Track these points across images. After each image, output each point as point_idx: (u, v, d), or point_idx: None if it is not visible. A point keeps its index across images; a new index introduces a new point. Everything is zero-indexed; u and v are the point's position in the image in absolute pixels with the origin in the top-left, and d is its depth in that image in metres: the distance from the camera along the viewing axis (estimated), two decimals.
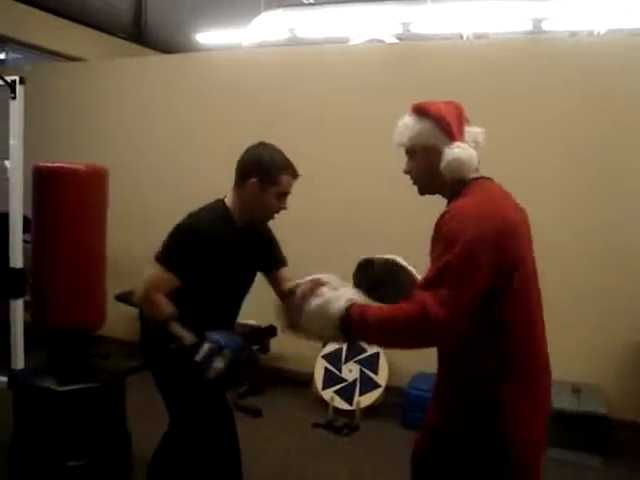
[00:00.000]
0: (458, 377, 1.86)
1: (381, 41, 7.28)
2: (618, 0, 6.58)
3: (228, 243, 2.33)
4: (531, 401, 1.80)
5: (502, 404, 1.76)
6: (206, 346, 2.14)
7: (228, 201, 2.38)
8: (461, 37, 8.25)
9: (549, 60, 4.19)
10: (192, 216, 2.35)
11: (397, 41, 7.36)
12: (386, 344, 2.03)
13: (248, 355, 2.33)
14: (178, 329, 2.19)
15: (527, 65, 4.22)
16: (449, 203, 1.89)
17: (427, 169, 1.92)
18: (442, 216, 1.80)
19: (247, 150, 2.38)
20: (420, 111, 1.92)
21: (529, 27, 7.28)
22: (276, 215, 2.40)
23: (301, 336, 1.88)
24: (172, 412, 2.48)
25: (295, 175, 2.36)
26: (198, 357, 2.13)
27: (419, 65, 4.52)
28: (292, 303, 1.87)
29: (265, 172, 2.29)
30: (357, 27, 8.04)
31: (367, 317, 1.71)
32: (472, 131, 1.92)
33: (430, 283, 1.66)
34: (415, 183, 2.00)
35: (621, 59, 4.01)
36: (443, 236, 1.73)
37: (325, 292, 1.81)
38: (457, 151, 1.83)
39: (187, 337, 2.18)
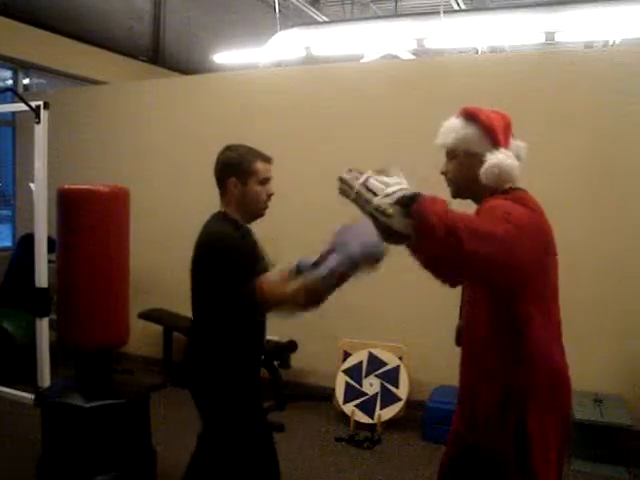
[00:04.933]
0: (484, 386, 1.87)
1: (396, 57, 7.35)
2: (631, 11, 6.58)
3: (251, 243, 2.39)
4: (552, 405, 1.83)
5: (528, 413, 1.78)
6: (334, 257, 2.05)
7: (225, 210, 2.41)
8: (476, 51, 8.30)
9: (564, 71, 4.21)
10: (214, 232, 2.34)
11: (412, 57, 7.42)
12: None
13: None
14: (314, 275, 2.07)
15: (542, 77, 4.24)
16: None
17: (466, 173, 1.91)
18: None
19: (216, 159, 2.44)
20: (469, 115, 1.92)
21: (542, 39, 7.30)
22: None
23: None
24: (210, 431, 2.45)
25: (267, 159, 2.41)
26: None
27: (435, 80, 4.56)
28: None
29: (238, 167, 2.36)
30: (372, 44, 8.11)
31: (445, 204, 1.52)
32: (517, 144, 1.93)
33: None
34: (450, 185, 2.00)
35: (635, 68, 4.02)
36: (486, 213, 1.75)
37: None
38: (500, 157, 1.83)
39: (321, 269, 2.06)
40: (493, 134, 1.87)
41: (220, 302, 2.25)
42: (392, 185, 1.56)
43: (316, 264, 2.09)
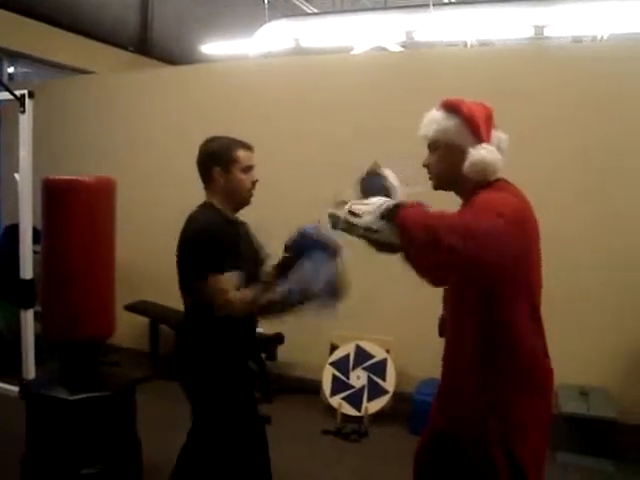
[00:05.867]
0: (467, 378, 1.88)
1: (384, 49, 7.33)
2: (620, 5, 6.60)
3: (232, 233, 2.38)
4: (537, 402, 1.83)
5: (510, 407, 1.79)
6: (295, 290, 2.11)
7: (211, 201, 2.42)
8: (465, 44, 8.30)
9: (553, 65, 4.21)
10: (196, 221, 2.36)
11: (401, 49, 7.40)
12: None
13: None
14: (268, 297, 2.16)
15: (530, 71, 4.25)
16: (465, 203, 1.91)
17: (448, 166, 1.91)
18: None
19: (198, 152, 2.45)
20: (450, 107, 1.91)
21: (531, 33, 7.30)
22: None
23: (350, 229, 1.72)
24: (201, 423, 2.45)
25: (248, 147, 2.43)
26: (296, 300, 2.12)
27: (423, 73, 4.55)
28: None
29: (220, 157, 2.38)
30: (361, 36, 8.08)
31: (423, 208, 1.64)
32: (498, 136, 1.92)
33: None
34: (432, 177, 1.99)
35: (624, 63, 4.03)
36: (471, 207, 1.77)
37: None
38: (483, 152, 1.83)
39: (277, 293, 2.13)
40: (475, 126, 1.86)
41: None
42: (374, 203, 1.67)
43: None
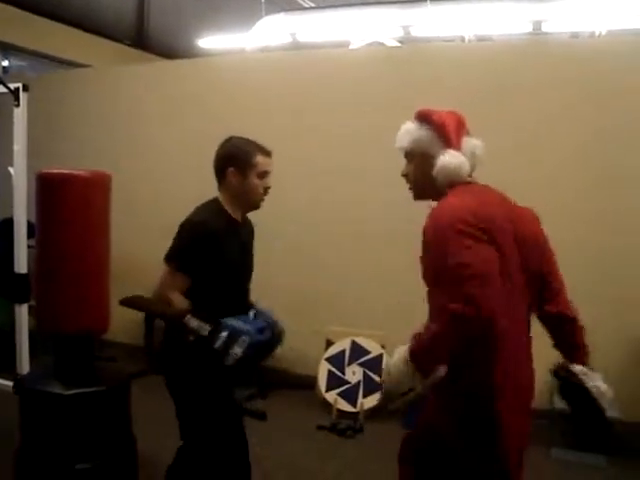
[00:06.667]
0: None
1: (382, 44, 7.31)
2: (618, 1, 6.59)
3: (224, 235, 2.40)
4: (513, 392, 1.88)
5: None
6: (223, 334, 2.22)
7: (220, 198, 2.47)
8: (462, 40, 8.27)
9: (551, 61, 4.21)
10: (194, 212, 2.43)
11: (398, 44, 7.39)
12: (448, 352, 1.85)
13: (270, 334, 2.40)
14: (194, 322, 2.26)
15: (528, 66, 4.24)
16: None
17: (422, 175, 2.00)
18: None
19: (217, 150, 2.49)
20: (422, 118, 2.00)
21: (529, 29, 7.29)
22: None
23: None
24: (184, 419, 2.49)
25: (267, 153, 2.46)
26: (216, 345, 2.21)
27: (420, 68, 4.54)
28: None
29: (239, 159, 2.40)
30: (358, 31, 8.06)
31: (421, 336, 1.83)
32: (471, 142, 1.98)
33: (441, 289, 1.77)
34: (410, 187, 2.08)
35: (622, 59, 4.03)
36: (423, 240, 1.88)
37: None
38: (447, 158, 1.90)
39: (203, 327, 2.24)
40: (445, 135, 1.94)
41: (197, 294, 2.34)
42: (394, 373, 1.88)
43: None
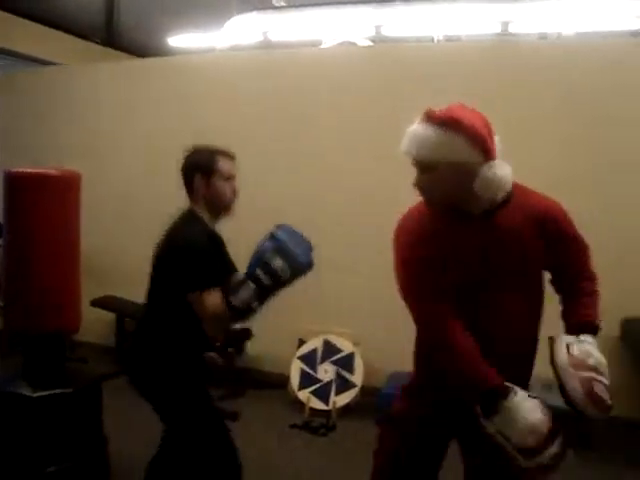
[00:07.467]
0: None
1: (353, 43, 7.33)
2: (585, 3, 6.70)
3: (217, 247, 2.42)
4: None
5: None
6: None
7: (194, 210, 2.44)
8: (432, 40, 8.33)
9: (519, 61, 4.27)
10: (185, 233, 2.36)
11: (370, 43, 7.42)
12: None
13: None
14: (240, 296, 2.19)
15: (496, 66, 4.29)
16: (492, 212, 1.84)
17: (453, 186, 1.77)
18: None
19: (182, 162, 2.48)
20: (448, 123, 1.72)
21: (498, 29, 7.37)
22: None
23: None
24: (168, 423, 2.48)
25: (230, 157, 2.47)
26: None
27: (391, 67, 4.56)
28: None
29: (202, 166, 2.41)
30: (329, 30, 8.07)
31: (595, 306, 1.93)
32: (499, 144, 1.82)
33: None
34: (427, 198, 1.86)
35: (589, 60, 4.11)
36: (565, 222, 1.98)
37: None
38: (498, 172, 1.75)
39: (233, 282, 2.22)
40: (481, 143, 1.73)
41: (175, 302, 2.31)
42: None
43: (241, 283, 2.18)
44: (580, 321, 1.87)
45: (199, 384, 2.49)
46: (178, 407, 2.41)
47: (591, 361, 1.74)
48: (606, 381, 1.73)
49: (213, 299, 2.22)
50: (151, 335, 2.44)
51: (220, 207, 2.46)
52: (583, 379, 1.73)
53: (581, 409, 1.74)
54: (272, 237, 2.16)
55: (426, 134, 1.73)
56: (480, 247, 1.84)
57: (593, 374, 1.73)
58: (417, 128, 1.77)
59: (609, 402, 1.74)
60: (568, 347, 1.78)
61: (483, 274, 1.85)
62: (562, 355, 1.77)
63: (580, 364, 1.74)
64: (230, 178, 2.45)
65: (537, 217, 1.86)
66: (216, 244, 2.43)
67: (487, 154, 1.74)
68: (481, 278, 1.85)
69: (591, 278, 2.00)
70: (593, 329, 1.84)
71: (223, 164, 2.43)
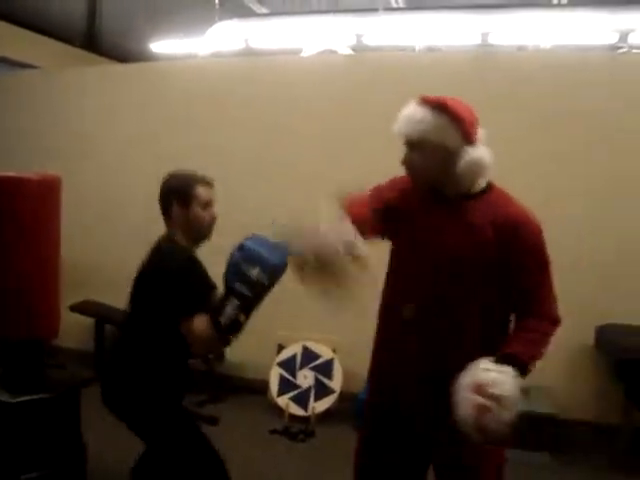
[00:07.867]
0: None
1: (334, 52, 7.38)
2: (564, 17, 6.83)
3: (197, 271, 2.39)
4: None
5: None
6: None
7: (172, 236, 2.43)
8: (413, 49, 8.42)
9: (498, 73, 4.34)
10: (167, 263, 2.35)
11: (351, 52, 7.48)
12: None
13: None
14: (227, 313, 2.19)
15: (476, 76, 4.35)
16: (464, 200, 1.92)
17: (437, 166, 1.88)
18: (504, 215, 1.89)
19: (160, 188, 2.48)
20: (436, 106, 1.87)
21: (478, 41, 7.48)
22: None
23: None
24: (148, 441, 2.47)
25: (208, 184, 2.46)
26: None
27: (372, 76, 4.60)
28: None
29: (180, 193, 2.40)
30: (310, 38, 8.13)
31: (534, 348, 1.87)
32: (483, 134, 1.93)
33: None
34: (413, 175, 1.96)
35: (566, 73, 4.20)
36: (533, 249, 1.90)
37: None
38: (478, 155, 1.86)
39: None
40: (466, 127, 1.85)
41: (157, 327, 2.33)
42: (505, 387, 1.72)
43: (224, 300, 2.18)
44: (505, 352, 1.81)
45: (176, 403, 2.48)
46: (155, 429, 2.40)
47: (495, 390, 1.68)
48: (506, 415, 1.68)
49: (200, 324, 2.21)
50: (131, 357, 2.42)
51: (198, 234, 2.45)
52: (477, 405, 1.67)
53: (467, 432, 1.70)
54: (241, 247, 2.14)
55: (415, 113, 1.89)
56: (438, 227, 1.92)
57: (491, 403, 1.67)
58: (410, 108, 1.92)
59: (499, 434, 1.69)
60: (482, 371, 1.73)
61: (431, 259, 1.93)
62: (469, 376, 1.72)
63: (481, 390, 1.68)
64: (208, 205, 2.43)
65: (505, 226, 1.86)
66: (198, 268, 2.41)
67: (468, 137, 1.85)
68: (428, 266, 1.93)
69: (544, 317, 1.94)
70: (519, 365, 1.77)
71: (201, 191, 2.41)
